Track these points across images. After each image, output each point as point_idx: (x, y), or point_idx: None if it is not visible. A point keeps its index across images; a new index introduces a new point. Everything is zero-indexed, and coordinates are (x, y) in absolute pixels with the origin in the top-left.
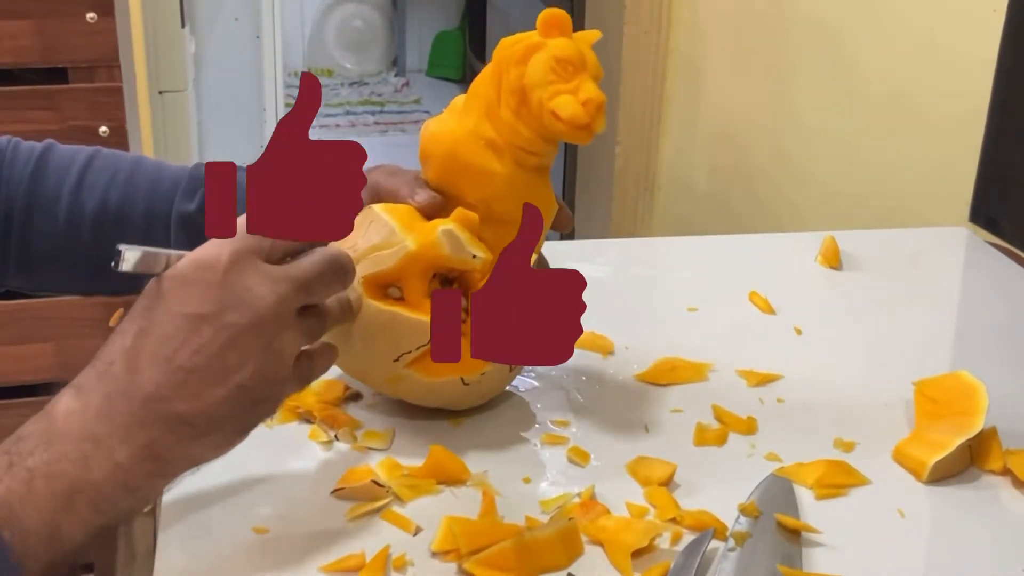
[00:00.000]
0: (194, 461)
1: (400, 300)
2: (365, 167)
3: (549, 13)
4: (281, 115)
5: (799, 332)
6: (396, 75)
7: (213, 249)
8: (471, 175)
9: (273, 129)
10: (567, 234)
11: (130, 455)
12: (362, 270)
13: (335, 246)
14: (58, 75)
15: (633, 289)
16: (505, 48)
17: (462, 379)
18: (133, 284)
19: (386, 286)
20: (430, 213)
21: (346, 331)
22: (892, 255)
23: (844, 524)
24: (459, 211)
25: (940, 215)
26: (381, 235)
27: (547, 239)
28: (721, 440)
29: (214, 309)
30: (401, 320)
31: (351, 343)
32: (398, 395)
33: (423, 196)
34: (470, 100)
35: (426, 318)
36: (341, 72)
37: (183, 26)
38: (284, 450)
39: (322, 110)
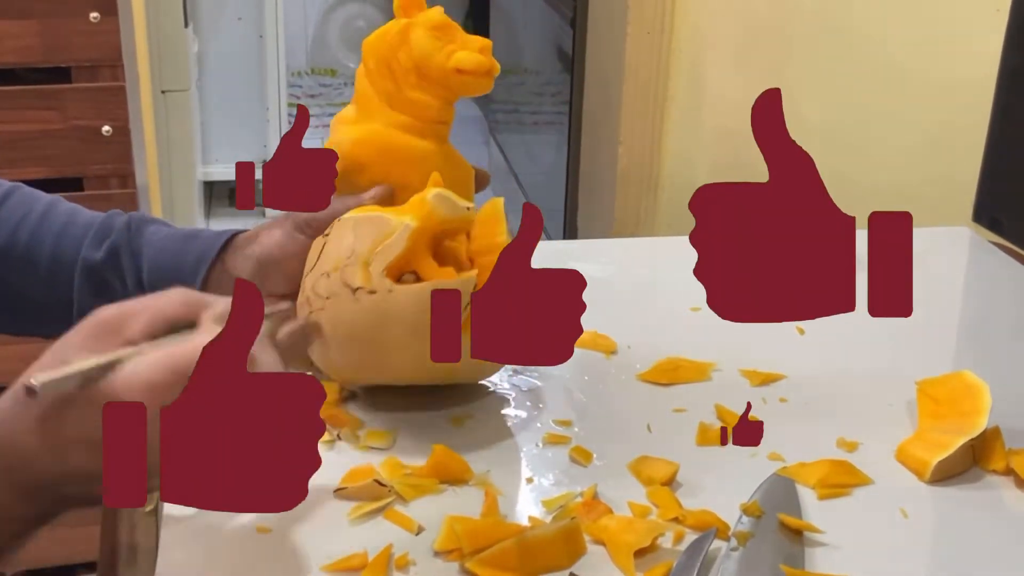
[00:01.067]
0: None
1: (417, 280)
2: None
3: None
4: (284, 115)
5: (802, 332)
6: None
7: (136, 397)
8: (408, 160)
9: (276, 128)
10: (569, 233)
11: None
12: (380, 263)
13: (329, 263)
14: (61, 74)
15: (636, 289)
16: (376, 43)
17: None
18: (29, 330)
19: (399, 275)
20: (384, 204)
21: (384, 329)
22: None
23: (847, 524)
24: (434, 176)
25: (943, 215)
26: (375, 230)
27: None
28: (723, 440)
29: None
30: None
31: (392, 339)
32: (453, 376)
33: (372, 193)
34: (362, 103)
35: (459, 277)
36: (344, 72)
37: (186, 26)
38: None
39: (325, 110)
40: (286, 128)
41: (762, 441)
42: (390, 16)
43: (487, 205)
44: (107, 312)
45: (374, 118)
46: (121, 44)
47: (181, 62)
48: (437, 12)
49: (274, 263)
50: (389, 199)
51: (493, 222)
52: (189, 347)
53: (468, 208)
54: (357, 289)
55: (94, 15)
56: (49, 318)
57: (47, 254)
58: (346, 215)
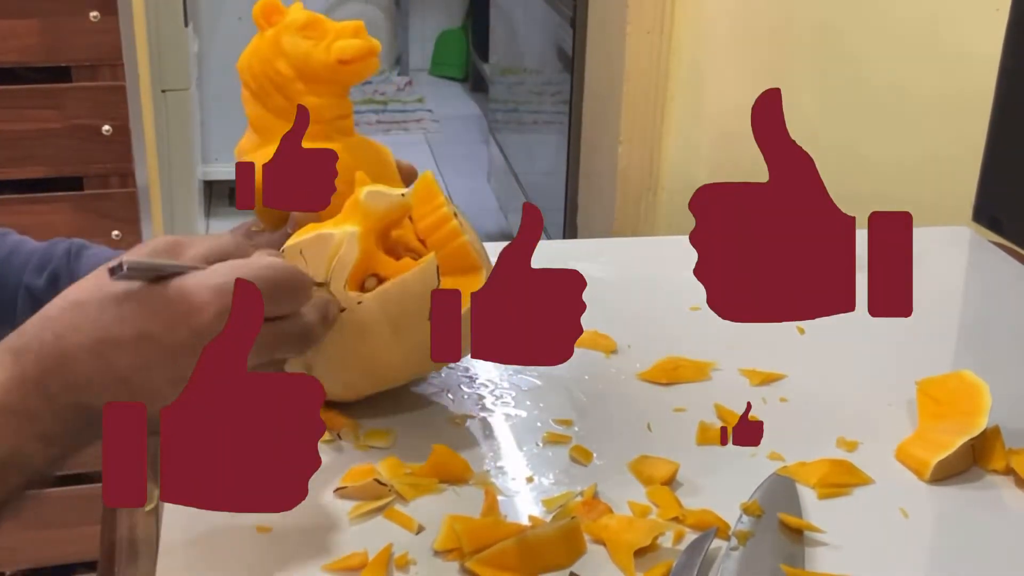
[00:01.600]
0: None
1: (382, 280)
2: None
3: (261, 4)
4: None
5: (802, 331)
6: (399, 74)
7: (205, 296)
8: None
9: None
10: (569, 233)
11: (57, 432)
12: (340, 280)
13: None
14: (61, 74)
15: (636, 288)
16: (250, 62)
17: None
18: None
19: (360, 284)
20: (308, 219)
21: (367, 339)
22: None
23: (847, 523)
24: (360, 174)
25: (943, 214)
26: (322, 248)
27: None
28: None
29: (167, 341)
30: (410, 282)
31: (379, 346)
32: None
33: (292, 220)
34: (259, 127)
35: (421, 264)
36: None
37: (186, 25)
38: None
39: None
40: None
41: (762, 441)
42: (391, 15)
43: (418, 182)
44: (164, 239)
45: (275, 137)
46: (121, 43)
47: (181, 61)
48: (298, 10)
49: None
50: (308, 217)
51: (430, 196)
52: (253, 260)
53: (402, 195)
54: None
55: (94, 14)
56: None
57: None
58: (289, 242)
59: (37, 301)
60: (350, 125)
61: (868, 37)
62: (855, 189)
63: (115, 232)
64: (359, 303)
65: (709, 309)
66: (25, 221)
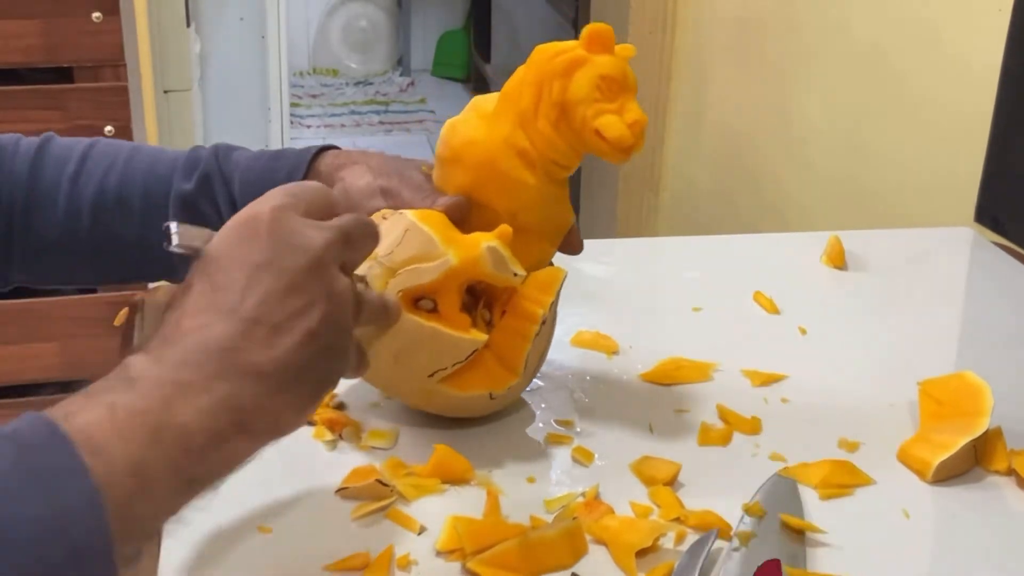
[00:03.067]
0: (276, 420)
1: (434, 312)
2: (363, 149)
3: (595, 28)
4: (286, 115)
5: (804, 332)
6: (401, 75)
7: (252, 208)
8: (503, 184)
9: (278, 128)
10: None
11: (211, 404)
12: (401, 282)
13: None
14: (63, 74)
15: (638, 289)
16: (546, 58)
17: (490, 393)
18: (134, 274)
19: (419, 298)
20: (455, 216)
21: (376, 343)
22: (897, 255)
23: (849, 524)
24: (502, 228)
25: (945, 215)
26: (420, 247)
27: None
28: (725, 440)
29: (269, 256)
30: (443, 337)
31: (380, 355)
32: (425, 408)
33: (446, 201)
34: (503, 105)
35: (465, 335)
36: (346, 72)
37: (188, 25)
38: (288, 450)
39: (327, 110)
40: (288, 128)
41: (765, 441)
42: (393, 16)
43: (548, 270)
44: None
45: (502, 126)
46: (123, 44)
47: (183, 62)
48: (614, 63)
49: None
50: (462, 214)
51: (542, 290)
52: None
53: (516, 274)
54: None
55: (96, 15)
56: (149, 258)
57: (138, 194)
58: (409, 212)
59: (190, 205)
60: (561, 175)
61: (870, 37)
62: (858, 189)
63: None
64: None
65: (710, 310)
66: None
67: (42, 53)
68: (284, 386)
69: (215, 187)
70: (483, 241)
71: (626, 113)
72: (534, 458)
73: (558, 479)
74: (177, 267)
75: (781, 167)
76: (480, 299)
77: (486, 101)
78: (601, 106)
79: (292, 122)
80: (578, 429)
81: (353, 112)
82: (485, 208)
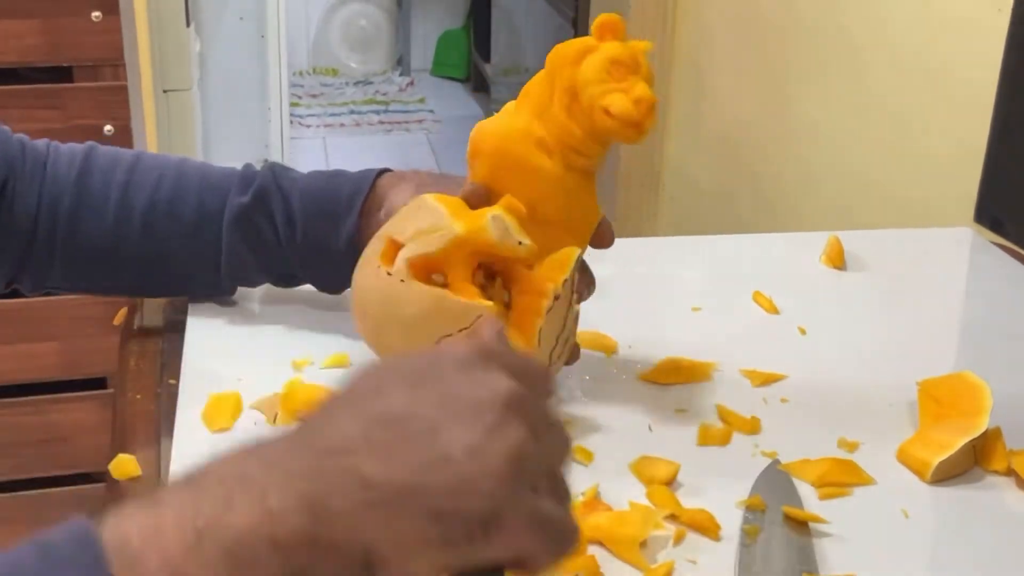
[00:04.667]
0: (357, 538)
1: (444, 286)
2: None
3: (605, 18)
4: (286, 114)
5: (803, 332)
6: (401, 74)
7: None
8: (519, 172)
9: (277, 128)
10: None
11: (282, 501)
12: (408, 251)
13: (387, 229)
14: (63, 74)
15: (637, 289)
16: (559, 51)
17: None
18: (177, 288)
19: (431, 272)
20: (473, 203)
21: (386, 313)
22: (896, 255)
23: (848, 524)
24: (507, 198)
25: (945, 215)
26: (429, 220)
27: None
28: (724, 440)
29: (446, 383)
30: (447, 302)
31: (390, 329)
32: None
33: (466, 188)
34: (522, 101)
35: (471, 300)
36: (346, 71)
37: (188, 25)
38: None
39: (326, 109)
40: (287, 127)
41: (764, 441)
42: (393, 16)
43: (562, 251)
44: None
45: (521, 118)
46: (123, 43)
47: (183, 62)
48: (622, 48)
49: None
50: (479, 200)
51: (556, 268)
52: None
53: (521, 243)
54: (380, 265)
55: (96, 14)
56: (193, 274)
57: (192, 206)
58: (428, 195)
59: (245, 219)
60: (582, 165)
61: (869, 37)
62: (857, 189)
63: None
64: (401, 280)
65: (711, 309)
66: None
67: (41, 52)
68: (382, 505)
69: (272, 202)
70: (488, 211)
71: (633, 91)
72: None
73: None
74: (220, 285)
75: (780, 167)
76: (496, 279)
77: (513, 103)
78: (609, 86)
79: (292, 122)
80: (577, 428)
81: (353, 112)
82: (501, 198)
